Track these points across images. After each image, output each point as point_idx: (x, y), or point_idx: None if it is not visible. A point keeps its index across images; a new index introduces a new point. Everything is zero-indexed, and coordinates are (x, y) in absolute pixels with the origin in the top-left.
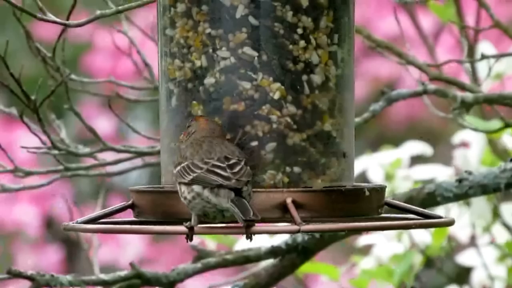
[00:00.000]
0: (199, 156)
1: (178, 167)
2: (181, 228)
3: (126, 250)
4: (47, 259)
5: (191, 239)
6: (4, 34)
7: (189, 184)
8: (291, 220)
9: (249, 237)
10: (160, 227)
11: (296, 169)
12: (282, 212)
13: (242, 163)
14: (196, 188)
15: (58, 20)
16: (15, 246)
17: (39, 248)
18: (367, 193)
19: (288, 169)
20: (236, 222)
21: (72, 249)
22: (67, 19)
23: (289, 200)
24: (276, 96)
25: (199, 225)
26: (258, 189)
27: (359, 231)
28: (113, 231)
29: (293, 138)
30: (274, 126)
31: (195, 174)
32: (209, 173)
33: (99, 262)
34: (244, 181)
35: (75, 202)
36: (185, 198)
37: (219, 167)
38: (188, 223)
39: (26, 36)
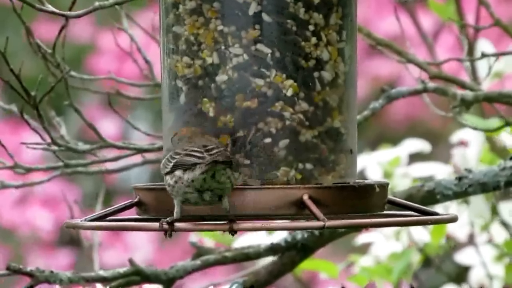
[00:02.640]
0: (181, 146)
1: (163, 160)
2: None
3: (134, 254)
4: (57, 262)
5: (170, 235)
6: (5, 34)
7: (171, 171)
8: (308, 216)
9: (232, 234)
10: (139, 224)
11: (308, 166)
12: (298, 209)
13: (221, 148)
14: (178, 172)
15: (57, 11)
16: (26, 249)
17: (50, 251)
18: (377, 189)
19: (300, 165)
20: (220, 218)
21: (82, 252)
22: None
23: (306, 197)
24: (289, 92)
25: (185, 223)
26: (274, 186)
27: (380, 227)
28: (113, 228)
29: (305, 134)
30: (287, 122)
31: (175, 160)
32: (187, 156)
33: (106, 265)
34: (219, 159)
35: (79, 204)
36: (169, 185)
37: (196, 151)
38: (169, 218)
39: (26, 32)
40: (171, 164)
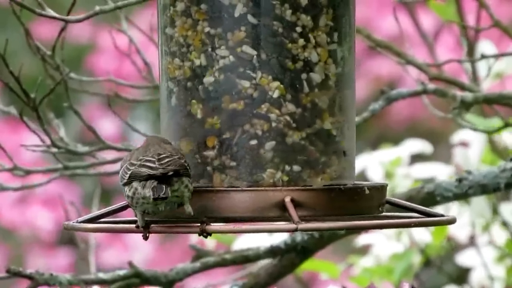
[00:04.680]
0: (135, 156)
1: (120, 170)
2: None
3: (134, 253)
4: (58, 262)
5: (146, 238)
6: (5, 34)
7: (128, 182)
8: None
9: (204, 236)
10: (119, 226)
11: (296, 168)
12: (281, 211)
13: (175, 157)
14: (135, 183)
15: (57, 15)
16: (26, 249)
17: (50, 251)
18: (367, 191)
19: (287, 167)
20: (190, 221)
21: (82, 251)
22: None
23: (287, 199)
24: (275, 94)
25: (160, 225)
26: (257, 188)
27: (358, 229)
28: (111, 230)
29: (293, 136)
30: (274, 124)
31: (130, 172)
32: (141, 167)
33: (106, 265)
34: (171, 168)
35: (78, 204)
36: (127, 196)
37: (149, 161)
38: (136, 224)
39: (26, 34)
40: (127, 176)
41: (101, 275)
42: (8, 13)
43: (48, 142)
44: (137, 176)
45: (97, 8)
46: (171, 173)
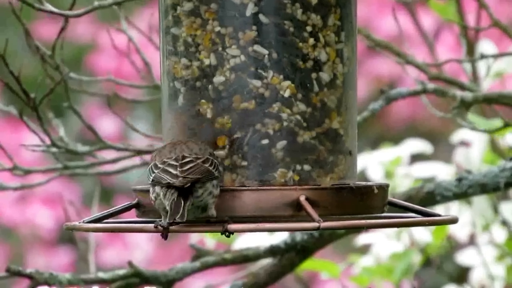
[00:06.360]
0: (160, 158)
1: (148, 168)
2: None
3: (134, 252)
4: (58, 261)
5: (165, 237)
6: (5, 33)
7: (153, 185)
8: (305, 218)
9: (227, 235)
10: (136, 225)
11: (306, 167)
12: (294, 210)
13: (199, 161)
14: (157, 188)
15: (56, 10)
16: (27, 248)
17: (50, 250)
18: (375, 190)
19: (298, 167)
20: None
21: (83, 251)
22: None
23: (303, 198)
24: (287, 94)
25: (179, 225)
26: (270, 187)
27: (377, 227)
28: (111, 229)
29: (303, 136)
30: (285, 124)
31: (153, 175)
32: (163, 173)
33: (106, 264)
34: (191, 179)
35: (78, 203)
36: (150, 198)
37: (172, 165)
38: (161, 222)
39: (25, 34)
40: (151, 178)
41: (101, 275)
42: (8, 13)
43: (48, 141)
44: (158, 182)
45: (96, 3)
46: (188, 185)
